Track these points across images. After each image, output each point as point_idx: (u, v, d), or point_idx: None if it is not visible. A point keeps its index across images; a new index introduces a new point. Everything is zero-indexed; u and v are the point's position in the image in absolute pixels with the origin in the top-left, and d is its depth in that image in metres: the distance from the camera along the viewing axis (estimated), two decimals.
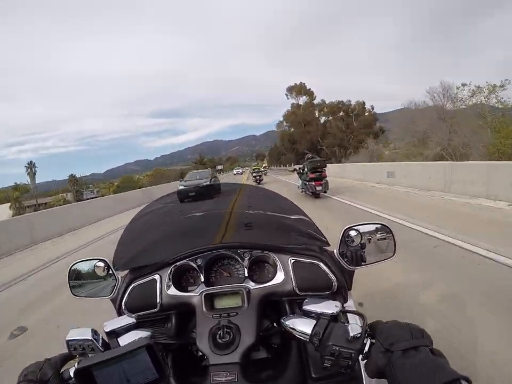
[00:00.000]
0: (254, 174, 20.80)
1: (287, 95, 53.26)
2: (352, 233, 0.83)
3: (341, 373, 0.57)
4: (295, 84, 53.35)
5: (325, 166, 10.33)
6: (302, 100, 53.17)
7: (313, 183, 10.03)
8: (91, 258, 0.87)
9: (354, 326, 0.56)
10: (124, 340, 0.61)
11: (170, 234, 1.00)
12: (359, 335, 0.55)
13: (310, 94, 53.01)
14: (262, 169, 24.52)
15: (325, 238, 0.90)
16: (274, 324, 0.79)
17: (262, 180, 20.87)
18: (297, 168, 12.42)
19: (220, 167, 45.58)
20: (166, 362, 0.73)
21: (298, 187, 12.18)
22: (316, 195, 10.14)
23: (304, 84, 52.80)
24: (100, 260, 0.86)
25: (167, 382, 0.68)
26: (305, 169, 10.55)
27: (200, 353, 0.72)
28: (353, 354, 0.54)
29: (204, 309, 0.75)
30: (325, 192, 10.20)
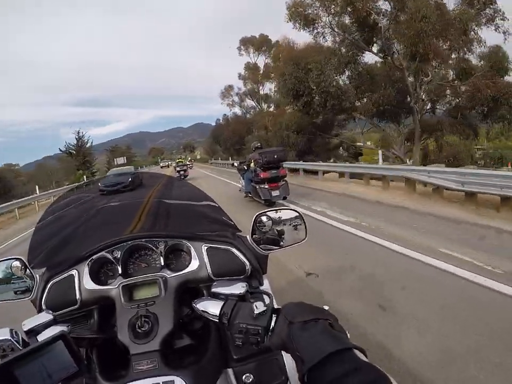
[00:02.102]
0: (178, 169, 18.05)
1: (239, 49, 32.55)
2: (264, 219, 0.84)
3: (261, 351, 0.66)
4: (252, 36, 32.76)
5: (285, 159, 6.86)
6: (263, 59, 32.86)
7: (267, 186, 6.53)
8: (6, 258, 0.81)
9: (259, 304, 0.58)
10: (43, 337, 0.60)
11: (85, 227, 0.96)
12: (265, 312, 0.57)
13: (277, 54, 28.80)
14: (188, 163, 22.83)
15: (235, 224, 0.92)
16: (194, 311, 0.74)
17: (187, 175, 18.17)
18: (238, 164, 8.69)
19: (121, 160, 39.04)
20: (92, 357, 0.71)
21: (240, 189, 8.57)
22: (270, 203, 6.60)
23: (267, 36, 32.48)
24: (16, 259, 0.80)
25: (93, 376, 0.67)
26: (253, 164, 6.95)
27: (124, 345, 0.69)
28: (260, 331, 0.56)
29: (123, 300, 0.73)
30: (285, 198, 6.73)
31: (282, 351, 0.65)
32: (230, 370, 0.75)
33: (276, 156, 6.56)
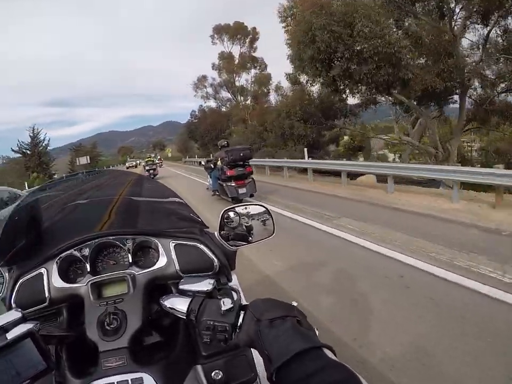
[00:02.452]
0: (147, 168, 17.74)
1: (212, 37, 30.33)
2: (231, 214, 0.85)
3: (230, 348, 0.66)
4: (227, 24, 30.55)
5: (251, 157, 6.93)
6: (237, 49, 30.87)
7: (234, 184, 6.56)
8: None
9: (227, 301, 0.57)
10: (12, 335, 0.57)
11: (54, 225, 0.94)
12: (232, 308, 0.57)
13: (252, 41, 30.66)
14: (158, 162, 22.42)
15: (202, 221, 0.90)
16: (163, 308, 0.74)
17: (157, 174, 18.04)
18: (205, 162, 8.68)
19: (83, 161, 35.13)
20: (61, 355, 0.70)
21: (207, 187, 8.55)
22: (237, 200, 6.64)
23: (243, 23, 30.53)
24: None
25: (62, 374, 0.67)
26: (219, 162, 6.95)
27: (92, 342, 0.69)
28: (227, 327, 0.55)
29: (91, 298, 0.73)
30: (252, 195, 6.79)
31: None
32: (199, 367, 0.75)
33: (241, 154, 6.57)
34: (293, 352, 0.43)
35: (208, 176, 8.23)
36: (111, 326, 0.67)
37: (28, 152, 33.45)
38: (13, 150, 33.74)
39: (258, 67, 30.81)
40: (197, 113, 35.50)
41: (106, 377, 0.62)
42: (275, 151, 15.24)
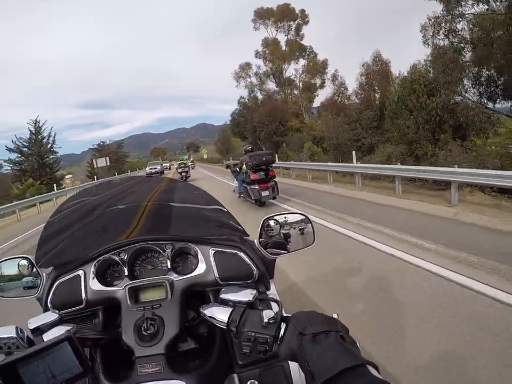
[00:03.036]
0: (180, 170, 17.93)
1: (254, 21, 26.53)
2: (272, 223, 0.85)
3: (267, 358, 0.63)
4: (269, 7, 26.28)
5: (273, 162, 7.30)
6: (282, 36, 26.44)
7: (257, 187, 6.97)
8: (14, 256, 0.85)
9: (269, 312, 0.57)
10: (49, 336, 0.61)
11: (93, 228, 0.97)
12: (274, 320, 0.56)
13: (299, 26, 26.25)
14: (190, 164, 21.52)
15: (243, 228, 0.92)
16: (200, 315, 0.73)
17: (189, 176, 18.18)
18: (231, 165, 9.15)
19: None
20: (95, 357, 0.71)
21: (234, 190, 9.02)
22: (260, 202, 7.05)
23: (289, 4, 26.15)
24: (23, 257, 0.83)
25: (96, 377, 0.67)
26: (244, 166, 7.38)
27: (128, 347, 0.69)
28: (268, 339, 0.55)
29: (129, 302, 0.73)
30: (274, 198, 7.16)
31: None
32: (234, 376, 0.75)
33: (264, 159, 6.98)
34: (338, 369, 0.44)
35: (235, 179, 8.70)
36: (148, 331, 0.67)
37: (26, 150, 25.77)
38: (8, 149, 25.48)
39: (306, 56, 26.37)
40: (246, 100, 28.02)
41: (142, 383, 0.62)
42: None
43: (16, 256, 0.85)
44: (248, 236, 0.89)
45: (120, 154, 46.13)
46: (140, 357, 0.65)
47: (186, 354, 0.74)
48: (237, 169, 8.02)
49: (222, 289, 0.70)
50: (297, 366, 0.57)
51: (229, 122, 33.61)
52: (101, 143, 45.37)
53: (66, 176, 34.38)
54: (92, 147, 45.53)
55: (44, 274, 0.83)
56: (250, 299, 0.64)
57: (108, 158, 31.61)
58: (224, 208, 1.03)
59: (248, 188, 7.14)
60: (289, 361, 0.72)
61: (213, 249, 0.82)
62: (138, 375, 0.63)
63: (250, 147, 8.05)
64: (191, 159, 41.18)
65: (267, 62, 26.76)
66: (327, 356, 0.47)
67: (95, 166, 31.01)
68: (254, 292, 0.67)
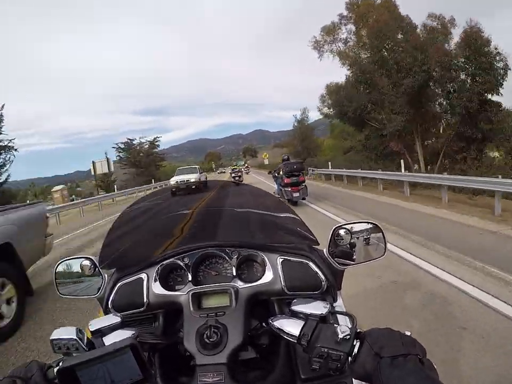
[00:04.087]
0: (233, 175, 20.24)
1: None
2: (342, 232, 0.82)
3: (330, 374, 0.59)
4: None
5: (303, 169, 8.94)
6: None
7: (289, 189, 8.70)
8: (77, 256, 0.86)
9: (344, 328, 0.55)
10: (109, 339, 0.61)
11: (157, 232, 0.99)
12: (348, 336, 0.54)
13: None
14: (244, 169, 23.50)
15: (314, 237, 0.90)
16: (263, 324, 0.75)
17: (242, 180, 19.82)
18: (273, 172, 10.96)
19: None
20: (153, 361, 0.71)
21: (274, 192, 10.78)
22: (293, 202, 8.66)
23: None
24: (86, 258, 0.85)
25: (153, 382, 0.66)
26: (280, 173, 9.09)
27: (188, 353, 0.70)
28: (342, 356, 0.53)
29: (191, 308, 0.73)
30: (303, 199, 8.78)
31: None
32: None
33: (295, 167, 8.85)
34: None
35: (275, 183, 10.46)
36: (211, 339, 0.66)
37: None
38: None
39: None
40: (362, 60, 16.99)
41: None
42: None
43: (79, 256, 0.86)
44: (318, 244, 0.87)
45: (154, 157, 36.79)
46: (201, 365, 0.64)
47: (247, 365, 0.74)
48: (276, 174, 9.75)
49: (294, 301, 0.66)
50: None
51: (290, 128, 32.91)
52: (129, 141, 35.38)
53: (55, 188, 25.07)
54: (116, 146, 34.99)
55: (106, 276, 0.85)
56: (324, 312, 0.60)
57: (109, 161, 23.28)
58: (297, 216, 1.02)
59: (283, 190, 8.92)
60: (353, 379, 0.66)
61: (281, 258, 0.80)
62: (198, 383, 0.62)
63: (286, 156, 9.84)
64: (246, 164, 41.75)
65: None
66: (407, 382, 0.45)
67: (92, 173, 22.94)
68: (328, 304, 0.62)
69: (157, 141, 37.18)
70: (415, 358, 0.48)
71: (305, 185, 8.90)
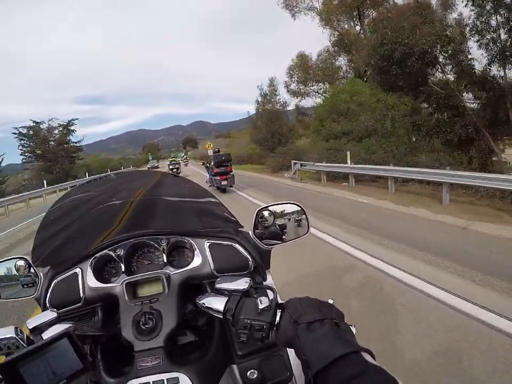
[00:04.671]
0: (171, 167, 20.66)
1: None
2: (266, 213, 0.85)
3: (266, 347, 0.68)
4: None
5: (230, 160, 10.21)
6: None
7: (219, 178, 9.91)
8: (10, 258, 0.84)
9: (264, 299, 0.59)
10: (48, 335, 0.60)
11: (88, 225, 0.97)
12: (269, 307, 0.58)
13: None
14: (182, 161, 23.92)
15: (237, 220, 0.92)
16: (193, 306, 0.79)
17: (180, 172, 20.87)
18: (205, 162, 12.21)
19: None
20: (96, 354, 0.73)
21: (206, 181, 12.00)
22: (221, 190, 9.93)
23: None
24: (20, 258, 0.82)
25: (97, 373, 0.69)
26: (211, 163, 10.30)
27: (128, 342, 0.71)
28: (264, 326, 0.57)
29: (126, 298, 0.74)
30: (231, 186, 10.13)
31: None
32: (234, 367, 0.76)
33: (223, 158, 10.14)
34: (332, 357, 0.44)
35: (207, 172, 11.61)
36: (147, 325, 0.68)
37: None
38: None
39: None
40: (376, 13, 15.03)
41: (142, 377, 0.63)
42: None
43: (13, 257, 0.83)
44: (242, 227, 0.89)
45: (70, 146, 28.04)
46: (139, 351, 0.65)
47: (186, 347, 0.76)
48: (208, 165, 10.88)
49: (217, 279, 0.71)
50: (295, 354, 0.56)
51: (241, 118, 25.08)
52: (34, 124, 26.29)
53: None
54: (15, 131, 26.00)
55: (41, 274, 0.83)
56: (245, 287, 0.64)
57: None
58: (217, 200, 1.04)
59: (213, 178, 10.18)
60: (288, 349, 0.73)
61: (208, 242, 0.83)
62: (138, 369, 0.64)
63: (217, 149, 10.97)
64: (185, 156, 42.26)
65: None
66: (321, 344, 0.47)
67: None
68: (249, 280, 0.67)
69: (71, 124, 27.78)
70: (331, 321, 0.51)
71: (233, 175, 10.20)
